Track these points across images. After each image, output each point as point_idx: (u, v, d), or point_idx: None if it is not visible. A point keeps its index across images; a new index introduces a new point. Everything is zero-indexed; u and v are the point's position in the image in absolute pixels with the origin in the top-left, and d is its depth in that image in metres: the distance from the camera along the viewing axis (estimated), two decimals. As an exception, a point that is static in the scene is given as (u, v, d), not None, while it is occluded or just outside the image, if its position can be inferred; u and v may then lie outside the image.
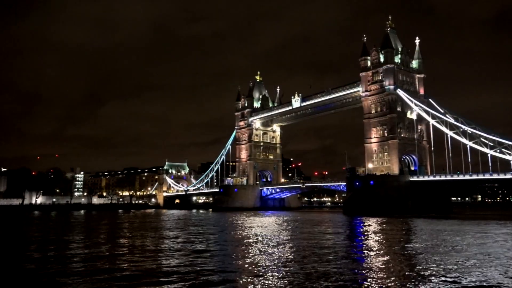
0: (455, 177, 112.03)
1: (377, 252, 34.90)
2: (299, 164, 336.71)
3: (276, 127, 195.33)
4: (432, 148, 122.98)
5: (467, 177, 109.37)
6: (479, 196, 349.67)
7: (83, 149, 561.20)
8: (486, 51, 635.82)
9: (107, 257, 31.85)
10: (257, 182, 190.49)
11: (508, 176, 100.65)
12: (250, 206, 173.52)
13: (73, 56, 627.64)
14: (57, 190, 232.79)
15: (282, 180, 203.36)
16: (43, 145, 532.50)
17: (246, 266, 27.59)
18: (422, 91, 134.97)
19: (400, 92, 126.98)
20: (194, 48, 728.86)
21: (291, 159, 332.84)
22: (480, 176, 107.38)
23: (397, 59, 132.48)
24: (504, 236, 47.55)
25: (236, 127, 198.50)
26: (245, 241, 43.76)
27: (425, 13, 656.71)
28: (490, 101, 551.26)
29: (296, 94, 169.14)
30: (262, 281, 22.35)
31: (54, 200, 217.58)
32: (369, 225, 68.96)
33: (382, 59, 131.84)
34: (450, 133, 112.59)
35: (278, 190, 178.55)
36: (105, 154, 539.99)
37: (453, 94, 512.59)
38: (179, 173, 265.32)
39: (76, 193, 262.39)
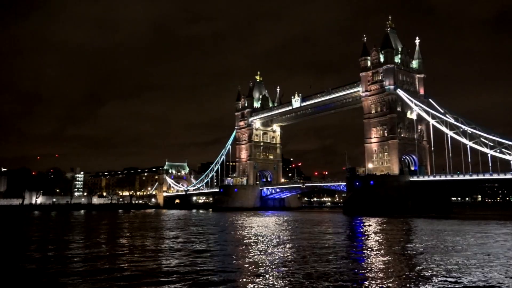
0: (455, 177, 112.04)
1: (377, 252, 34.89)
2: (299, 164, 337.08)
3: (276, 127, 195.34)
4: (432, 148, 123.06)
5: (467, 177, 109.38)
6: (479, 196, 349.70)
7: (83, 149, 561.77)
8: (486, 51, 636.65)
9: (107, 257, 31.85)
10: (257, 182, 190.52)
11: (508, 176, 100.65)
12: (250, 206, 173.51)
13: (73, 56, 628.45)
14: (57, 190, 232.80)
15: (282, 180, 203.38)
16: (43, 145, 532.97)
17: (246, 266, 27.58)
18: (422, 91, 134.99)
19: (400, 92, 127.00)
20: (194, 48, 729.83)
21: (291, 159, 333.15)
22: (480, 176, 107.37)
23: (397, 59, 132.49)
24: (504, 236, 47.55)
25: (236, 127, 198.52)
26: (245, 241, 43.75)
27: (425, 13, 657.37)
28: (490, 101, 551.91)
29: (296, 94, 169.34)
30: (262, 281, 22.34)
31: (54, 200, 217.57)
32: (369, 225, 68.96)
33: (382, 59, 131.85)
34: (450, 133, 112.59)
35: (278, 190, 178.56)
36: (105, 154, 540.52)
37: (453, 94, 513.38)
38: (179, 173, 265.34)
39: (76, 193, 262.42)
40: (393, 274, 24.44)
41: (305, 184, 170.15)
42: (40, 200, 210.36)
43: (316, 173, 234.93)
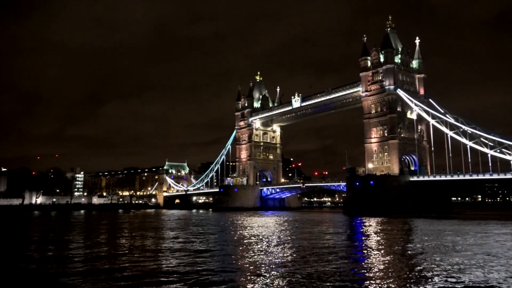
0: (455, 177, 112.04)
1: (377, 252, 34.88)
2: (299, 164, 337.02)
3: (276, 127, 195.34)
4: (432, 148, 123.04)
5: (467, 177, 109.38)
6: (479, 196, 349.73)
7: (83, 149, 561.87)
8: (486, 51, 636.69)
9: (107, 257, 31.85)
10: (257, 182, 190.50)
11: (508, 176, 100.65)
12: (250, 206, 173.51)
13: (73, 56, 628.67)
14: (57, 190, 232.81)
15: (282, 180, 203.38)
16: (43, 145, 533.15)
17: (246, 266, 27.58)
18: (422, 91, 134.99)
19: (400, 92, 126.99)
20: (194, 48, 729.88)
21: (291, 159, 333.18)
22: (480, 176, 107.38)
23: (397, 59, 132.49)
24: (504, 236, 47.55)
25: (236, 127, 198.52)
26: (245, 241, 43.75)
27: (425, 13, 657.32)
28: (490, 101, 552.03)
29: (296, 94, 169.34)
30: (262, 281, 22.34)
31: (54, 200, 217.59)
32: (369, 225, 68.94)
33: (382, 59, 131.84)
34: (450, 133, 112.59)
35: (278, 190, 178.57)
36: (105, 154, 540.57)
37: (453, 94, 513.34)
38: (179, 173, 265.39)
39: (76, 193, 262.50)
40: (393, 274, 24.44)
41: (305, 184, 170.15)
42: (40, 200, 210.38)
43: (316, 173, 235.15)
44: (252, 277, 23.51)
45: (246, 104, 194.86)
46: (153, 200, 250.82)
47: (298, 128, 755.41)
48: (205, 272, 24.88)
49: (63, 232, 58.74)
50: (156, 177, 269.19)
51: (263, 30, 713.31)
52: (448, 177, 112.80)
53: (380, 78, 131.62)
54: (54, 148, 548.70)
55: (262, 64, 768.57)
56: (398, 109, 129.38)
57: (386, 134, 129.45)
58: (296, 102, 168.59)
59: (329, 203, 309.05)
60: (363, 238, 48.84)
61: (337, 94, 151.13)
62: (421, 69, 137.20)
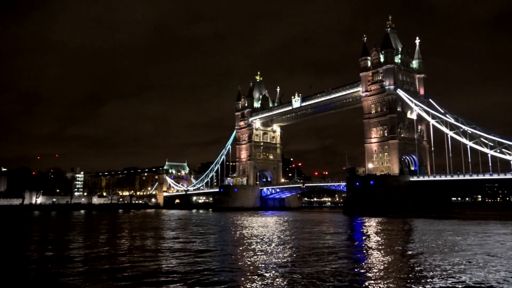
0: (455, 177, 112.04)
1: (377, 252, 34.88)
2: (299, 164, 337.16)
3: (276, 127, 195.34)
4: (432, 148, 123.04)
5: (467, 177, 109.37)
6: (479, 196, 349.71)
7: (83, 149, 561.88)
8: (486, 51, 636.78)
9: (107, 257, 31.85)
10: (257, 182, 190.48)
11: (508, 176, 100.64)
12: (250, 206, 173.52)
13: (73, 56, 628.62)
14: (57, 190, 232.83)
15: (282, 180, 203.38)
16: (43, 145, 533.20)
17: (246, 266, 27.58)
18: (422, 91, 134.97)
19: (400, 92, 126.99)
20: (194, 48, 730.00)
21: (291, 159, 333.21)
22: (480, 176, 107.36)
23: (397, 59, 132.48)
24: (504, 236, 47.57)
25: (236, 127, 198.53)
26: (245, 241, 43.76)
27: (425, 13, 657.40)
28: (490, 101, 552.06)
29: (296, 94, 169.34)
30: (262, 281, 22.34)
31: (54, 200, 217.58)
32: (369, 225, 68.95)
33: (382, 59, 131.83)
34: (450, 133, 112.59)
35: (278, 190, 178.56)
36: (105, 154, 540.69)
37: (453, 94, 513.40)
38: (179, 173, 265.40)
39: (76, 193, 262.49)
40: (393, 274, 24.44)
41: (305, 184, 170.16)
42: (40, 200, 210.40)
43: (316, 173, 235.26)
44: (252, 277, 23.51)
45: (246, 104, 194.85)
46: (153, 200, 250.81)
47: (298, 128, 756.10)
48: (205, 272, 24.88)
49: (63, 232, 58.73)
50: (156, 177, 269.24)
51: (263, 30, 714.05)
52: (448, 177, 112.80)
53: (380, 78, 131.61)
54: (54, 148, 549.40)
55: (262, 64, 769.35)
56: (398, 109, 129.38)
57: (386, 134, 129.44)
58: (296, 102, 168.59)
59: (329, 203, 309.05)
60: (363, 238, 48.84)
61: (337, 94, 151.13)
62: (421, 69, 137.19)
